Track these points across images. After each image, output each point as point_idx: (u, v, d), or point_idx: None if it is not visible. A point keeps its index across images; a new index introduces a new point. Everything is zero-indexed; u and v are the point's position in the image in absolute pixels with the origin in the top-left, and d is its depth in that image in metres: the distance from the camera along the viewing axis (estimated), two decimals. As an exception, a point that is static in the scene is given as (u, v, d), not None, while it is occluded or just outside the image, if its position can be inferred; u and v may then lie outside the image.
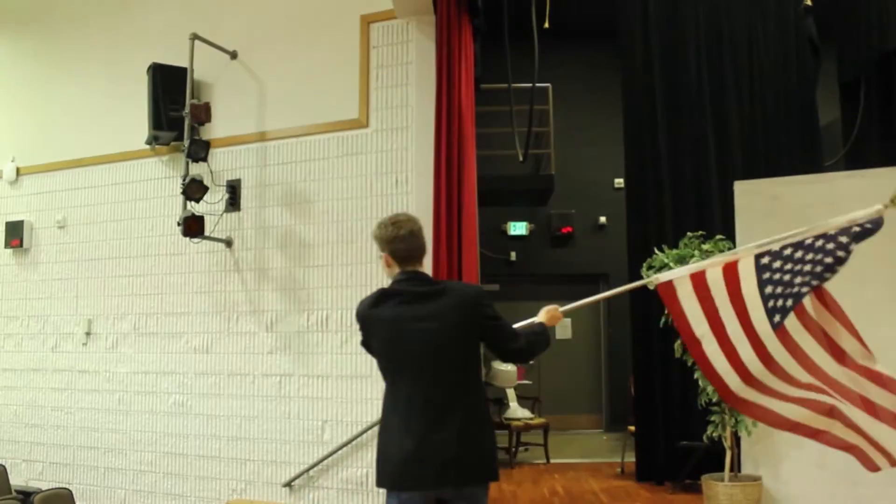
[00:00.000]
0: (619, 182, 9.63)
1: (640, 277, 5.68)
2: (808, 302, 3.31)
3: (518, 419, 8.44)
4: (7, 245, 7.79)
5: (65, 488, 6.07)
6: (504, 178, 9.24)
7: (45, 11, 8.09)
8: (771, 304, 3.21)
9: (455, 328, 3.04)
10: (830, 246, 3.27)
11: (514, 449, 8.43)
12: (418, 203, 5.92)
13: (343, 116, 6.45)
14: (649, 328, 6.75)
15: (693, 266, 3.39)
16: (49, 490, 6.01)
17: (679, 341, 5.53)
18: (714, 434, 5.44)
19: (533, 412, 8.72)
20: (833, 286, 5.30)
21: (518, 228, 11.03)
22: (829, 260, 3.28)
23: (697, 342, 3.29)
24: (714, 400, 5.39)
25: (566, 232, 10.94)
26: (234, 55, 6.88)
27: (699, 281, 3.30)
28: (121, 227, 7.31)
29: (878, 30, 6.90)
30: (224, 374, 6.63)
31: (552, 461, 8.38)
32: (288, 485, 6.21)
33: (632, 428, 7.46)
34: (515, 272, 10.96)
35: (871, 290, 5.35)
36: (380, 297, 3.15)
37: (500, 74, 7.25)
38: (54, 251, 7.64)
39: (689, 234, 5.62)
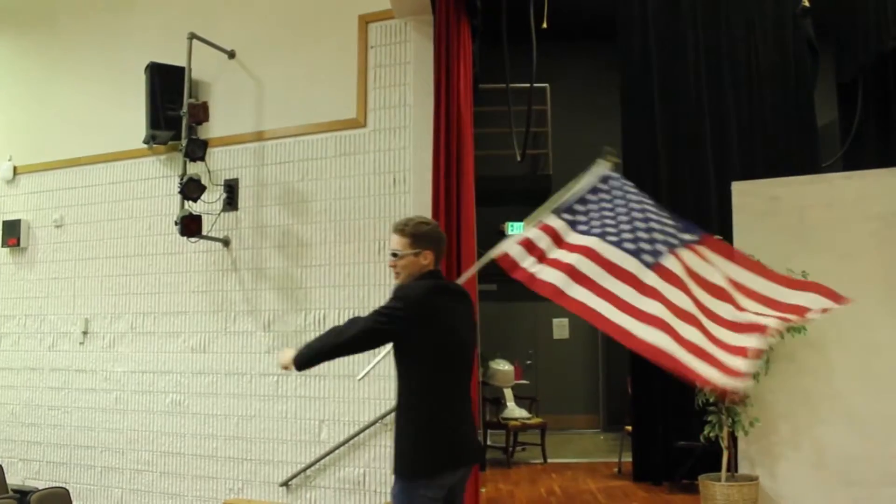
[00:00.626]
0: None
1: (638, 278, 5.68)
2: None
3: (515, 419, 8.44)
4: (4, 244, 7.78)
5: (62, 487, 6.06)
6: (502, 178, 9.24)
7: (43, 10, 8.08)
8: (614, 239, 3.65)
9: (474, 328, 3.42)
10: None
11: (511, 449, 8.43)
12: (416, 203, 5.92)
13: (341, 116, 6.45)
14: (647, 328, 6.75)
15: (515, 237, 3.81)
16: (46, 489, 6.00)
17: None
18: (711, 434, 5.44)
19: (530, 412, 8.73)
20: (828, 286, 5.31)
21: (516, 228, 11.00)
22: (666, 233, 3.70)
23: (531, 276, 3.73)
24: (711, 400, 5.39)
25: (564, 232, 10.91)
26: (231, 54, 6.87)
27: (527, 243, 3.73)
28: (118, 226, 7.30)
29: (876, 31, 6.90)
30: (221, 374, 6.62)
31: (549, 461, 8.39)
32: (285, 484, 6.21)
33: (629, 428, 7.47)
34: (513, 272, 10.94)
35: (866, 295, 5.35)
36: (439, 289, 3.24)
37: (499, 74, 7.25)
38: (51, 250, 7.63)
39: (686, 234, 5.61)
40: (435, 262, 3.28)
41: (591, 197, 3.83)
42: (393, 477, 3.17)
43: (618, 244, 3.60)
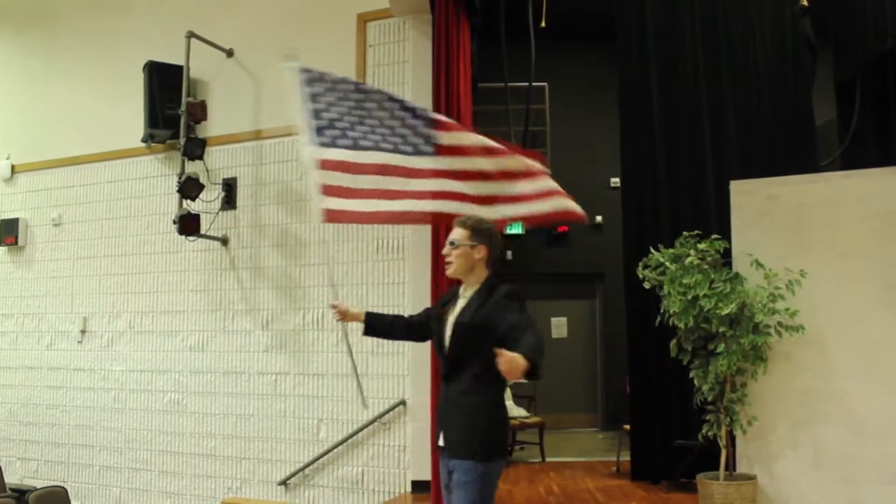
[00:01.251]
0: (616, 181, 9.62)
1: (636, 277, 5.69)
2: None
3: (514, 418, 8.42)
4: (2, 243, 7.78)
5: (60, 486, 6.06)
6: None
7: (42, 9, 8.07)
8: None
9: None
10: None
11: (509, 448, 8.43)
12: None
13: (339, 115, 6.44)
14: (645, 327, 6.75)
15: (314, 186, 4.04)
16: (44, 488, 6.00)
17: (675, 340, 5.53)
18: (709, 433, 5.44)
19: (529, 411, 8.72)
20: (827, 288, 5.33)
21: (514, 227, 11.00)
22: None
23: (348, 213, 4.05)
24: (710, 399, 5.39)
25: (562, 231, 10.92)
26: (230, 53, 6.87)
27: (325, 188, 4.01)
28: (116, 224, 7.30)
29: (875, 30, 6.89)
30: (219, 373, 6.62)
31: (548, 460, 8.38)
32: (283, 483, 6.21)
33: (627, 427, 7.46)
34: (511, 271, 10.94)
35: (864, 292, 5.36)
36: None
37: (497, 73, 7.25)
38: (49, 249, 7.62)
39: (685, 233, 5.61)
40: (488, 258, 3.38)
41: (317, 105, 4.28)
42: (455, 463, 3.21)
43: (393, 149, 4.12)
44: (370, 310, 3.64)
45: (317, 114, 4.19)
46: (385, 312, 3.74)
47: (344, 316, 3.56)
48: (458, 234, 3.40)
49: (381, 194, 4.03)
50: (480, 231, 3.40)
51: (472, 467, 3.15)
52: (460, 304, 3.41)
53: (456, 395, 3.30)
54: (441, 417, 3.39)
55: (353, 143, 4.08)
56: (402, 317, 3.75)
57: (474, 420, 3.24)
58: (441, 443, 3.33)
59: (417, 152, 4.18)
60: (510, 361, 2.86)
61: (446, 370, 3.36)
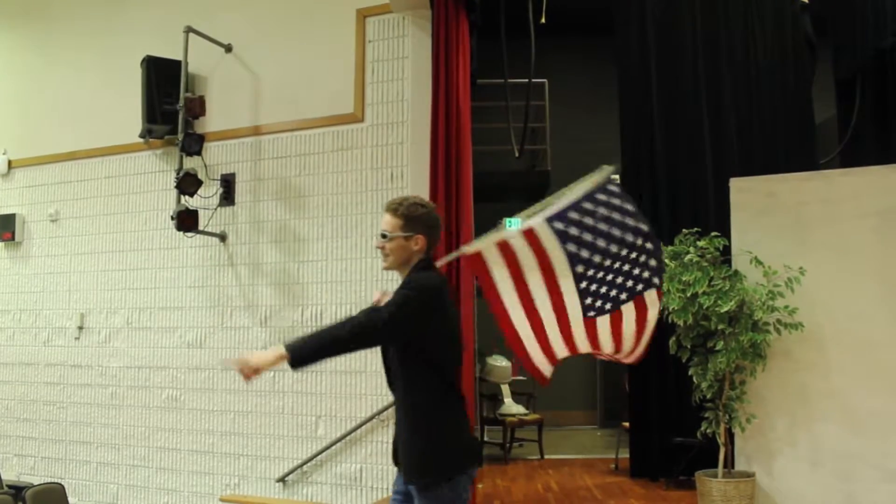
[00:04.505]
0: (615, 178, 9.61)
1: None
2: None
3: (512, 415, 8.42)
4: (-1, 238, 7.75)
5: (57, 483, 6.05)
6: (500, 173, 9.22)
7: (39, 3, 8.04)
8: (584, 285, 3.36)
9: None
10: (642, 244, 3.43)
11: (508, 445, 8.42)
12: (413, 198, 5.90)
13: (338, 111, 6.43)
14: (644, 324, 6.74)
15: (495, 236, 3.41)
16: (41, 485, 5.99)
17: (674, 338, 5.53)
18: (708, 431, 5.44)
19: (527, 408, 8.71)
20: (826, 286, 5.32)
21: (514, 224, 10.98)
22: (649, 268, 3.49)
23: (506, 312, 3.46)
24: (708, 396, 5.39)
25: (561, 228, 10.90)
26: (228, 48, 6.85)
27: (505, 247, 3.39)
28: (114, 220, 7.28)
29: (875, 27, 6.89)
30: (218, 369, 6.61)
31: (546, 457, 8.38)
32: (281, 480, 6.20)
33: (626, 424, 7.46)
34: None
35: (863, 292, 5.36)
36: (445, 281, 3.11)
37: (497, 69, 7.23)
38: (47, 245, 7.60)
39: (684, 230, 5.61)
40: (427, 248, 3.03)
41: (587, 206, 3.35)
42: (411, 487, 2.91)
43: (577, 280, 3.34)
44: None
45: (580, 210, 3.34)
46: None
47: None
48: (389, 223, 3.01)
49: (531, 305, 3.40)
50: (415, 218, 3.00)
51: (424, 494, 2.85)
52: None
53: (398, 407, 3.01)
54: (396, 432, 3.08)
55: (575, 252, 3.30)
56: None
57: (417, 436, 2.92)
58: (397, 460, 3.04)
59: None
60: (246, 363, 2.68)
61: (389, 384, 3.07)
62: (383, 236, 3.02)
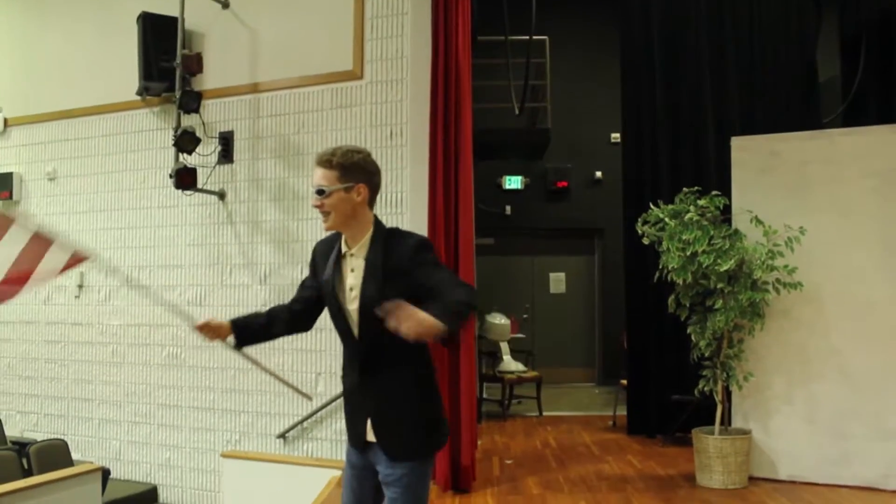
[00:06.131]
0: (616, 137, 9.57)
1: (636, 232, 5.68)
2: None
3: (511, 372, 8.49)
4: (-3, 197, 7.72)
5: (60, 439, 6.10)
6: (500, 131, 9.17)
7: (32, -43, 7.91)
8: None
9: None
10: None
11: (507, 402, 8.50)
12: (413, 156, 5.87)
13: (337, 68, 6.35)
14: (643, 283, 6.77)
15: None
16: (44, 441, 6.05)
17: (673, 296, 5.54)
18: (705, 388, 5.48)
19: (526, 366, 8.77)
20: (826, 246, 5.32)
21: (513, 182, 10.98)
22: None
23: None
24: (706, 355, 5.42)
25: (562, 186, 10.90)
26: (225, 4, 6.75)
27: None
28: (112, 179, 7.25)
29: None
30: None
31: (545, 414, 8.46)
32: (282, 436, 6.26)
33: (624, 382, 7.52)
34: (510, 226, 10.95)
35: (863, 252, 5.36)
36: None
37: (497, 26, 7.15)
38: (45, 203, 7.57)
39: (685, 189, 5.59)
40: (370, 197, 2.74)
41: None
42: (389, 464, 2.69)
43: None
44: (235, 317, 2.88)
45: None
46: (251, 312, 3.05)
47: (217, 332, 2.84)
48: (324, 177, 2.68)
49: None
50: (352, 166, 2.69)
51: (411, 469, 2.67)
52: (355, 267, 2.74)
53: (381, 388, 2.72)
54: (357, 412, 2.79)
55: None
56: (278, 308, 3.02)
57: (411, 415, 2.71)
58: (370, 438, 2.72)
59: None
60: (420, 323, 2.28)
61: (360, 357, 2.74)
62: (319, 192, 2.68)
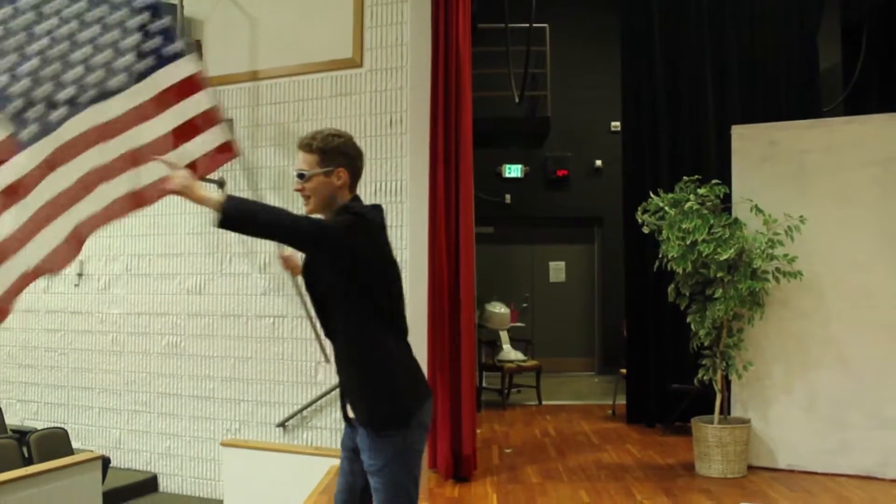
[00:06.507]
0: (616, 125, 9.55)
1: (635, 222, 5.68)
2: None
3: (511, 361, 8.49)
4: (-3, 185, 7.71)
5: (60, 428, 6.12)
6: (499, 119, 9.14)
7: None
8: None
9: None
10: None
11: (506, 391, 8.51)
12: (413, 144, 5.85)
13: (337, 55, 6.33)
14: (643, 272, 6.77)
15: None
16: (44, 429, 6.07)
17: (672, 285, 5.54)
18: (705, 377, 5.48)
19: (526, 354, 8.78)
20: (826, 235, 5.32)
21: (513, 171, 10.96)
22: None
23: None
24: (706, 344, 5.42)
25: (562, 175, 10.87)
26: (224, -9, 6.73)
27: None
28: (111, 167, 7.23)
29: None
30: (217, 315, 6.63)
31: (544, 403, 8.48)
32: (282, 425, 6.27)
33: (623, 371, 7.53)
34: (510, 215, 10.93)
35: (862, 239, 5.35)
36: (384, 216, 2.82)
37: (497, 14, 7.12)
38: (45, 191, 7.56)
39: (685, 178, 5.57)
40: (351, 182, 2.76)
41: None
42: (363, 441, 2.70)
43: None
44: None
45: None
46: None
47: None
48: (304, 160, 2.71)
49: None
50: (332, 150, 2.71)
51: (391, 459, 2.64)
52: None
53: (339, 362, 2.77)
54: (341, 388, 2.87)
55: None
56: None
57: (361, 386, 2.71)
58: (350, 413, 2.79)
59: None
60: (185, 181, 2.44)
61: (325, 333, 2.83)
62: (300, 176, 2.72)
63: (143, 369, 6.95)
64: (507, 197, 10.97)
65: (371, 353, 2.71)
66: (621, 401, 7.54)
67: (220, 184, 6.64)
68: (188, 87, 3.21)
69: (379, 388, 2.70)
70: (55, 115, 2.96)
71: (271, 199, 6.48)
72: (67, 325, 7.33)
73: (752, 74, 6.90)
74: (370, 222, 2.70)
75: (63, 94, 2.97)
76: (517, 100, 7.98)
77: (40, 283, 7.50)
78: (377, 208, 2.82)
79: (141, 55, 3.01)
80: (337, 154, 2.72)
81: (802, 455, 5.41)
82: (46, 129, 2.97)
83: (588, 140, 10.79)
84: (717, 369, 5.42)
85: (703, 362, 5.48)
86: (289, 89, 6.50)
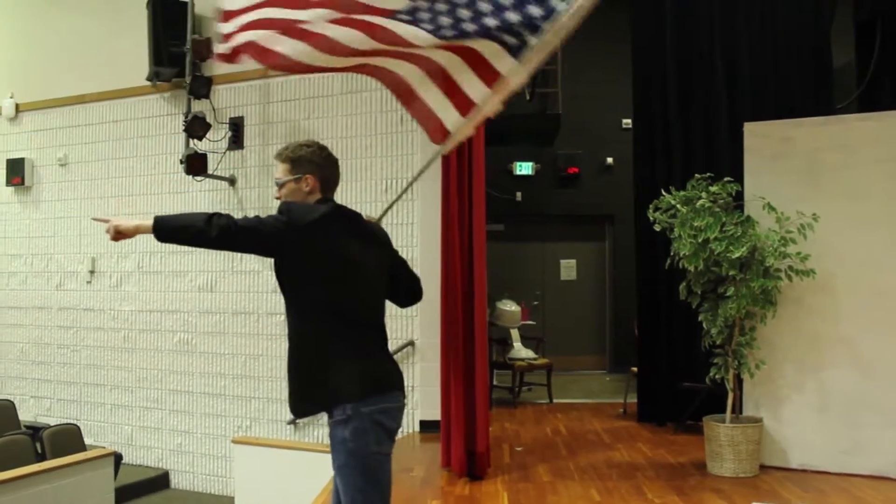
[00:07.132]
0: (627, 122, 9.50)
1: (647, 219, 5.65)
2: None
3: (522, 359, 8.47)
4: (8, 183, 7.75)
5: (73, 424, 6.15)
6: (510, 116, 9.08)
7: (43, -57, 7.90)
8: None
9: (385, 266, 3.10)
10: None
11: (517, 389, 8.49)
12: (424, 141, 5.82)
13: (347, 53, 6.33)
14: (654, 270, 6.73)
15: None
16: (57, 426, 6.10)
17: (684, 283, 5.51)
18: (717, 376, 5.45)
19: (536, 352, 8.75)
20: (839, 233, 5.28)
21: (524, 168, 10.93)
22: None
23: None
24: (718, 342, 5.39)
25: (572, 172, 10.84)
26: (235, -11, 6.73)
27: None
28: (123, 164, 7.27)
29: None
30: (228, 313, 6.65)
31: (555, 401, 8.45)
32: (292, 422, 6.28)
33: (635, 369, 7.50)
34: (521, 212, 10.91)
35: (876, 237, 5.31)
36: (340, 214, 2.93)
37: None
38: (56, 189, 7.61)
39: (696, 175, 5.54)
40: (321, 188, 2.96)
41: None
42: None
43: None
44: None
45: None
46: None
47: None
48: (279, 169, 2.97)
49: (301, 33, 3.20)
50: (299, 159, 2.93)
51: (345, 460, 2.91)
52: None
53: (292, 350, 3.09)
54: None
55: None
56: None
57: (291, 368, 3.11)
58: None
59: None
60: (116, 226, 2.83)
61: None
62: (277, 184, 2.98)
63: (155, 366, 6.98)
64: (518, 194, 10.94)
65: (301, 342, 3.05)
66: (632, 399, 7.51)
67: (232, 181, 6.66)
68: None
69: (303, 374, 3.09)
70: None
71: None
72: (80, 322, 7.37)
73: (764, 72, 6.85)
74: (299, 221, 2.79)
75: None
76: (528, 97, 7.97)
77: (52, 280, 7.55)
78: (331, 210, 2.90)
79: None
80: (304, 162, 2.93)
81: (815, 454, 5.37)
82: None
83: (599, 137, 10.76)
84: (730, 368, 5.39)
85: (715, 361, 5.45)
86: (299, 86, 6.51)
